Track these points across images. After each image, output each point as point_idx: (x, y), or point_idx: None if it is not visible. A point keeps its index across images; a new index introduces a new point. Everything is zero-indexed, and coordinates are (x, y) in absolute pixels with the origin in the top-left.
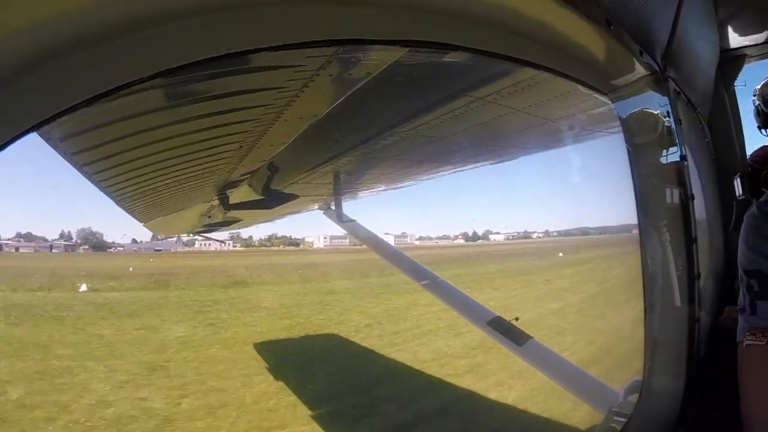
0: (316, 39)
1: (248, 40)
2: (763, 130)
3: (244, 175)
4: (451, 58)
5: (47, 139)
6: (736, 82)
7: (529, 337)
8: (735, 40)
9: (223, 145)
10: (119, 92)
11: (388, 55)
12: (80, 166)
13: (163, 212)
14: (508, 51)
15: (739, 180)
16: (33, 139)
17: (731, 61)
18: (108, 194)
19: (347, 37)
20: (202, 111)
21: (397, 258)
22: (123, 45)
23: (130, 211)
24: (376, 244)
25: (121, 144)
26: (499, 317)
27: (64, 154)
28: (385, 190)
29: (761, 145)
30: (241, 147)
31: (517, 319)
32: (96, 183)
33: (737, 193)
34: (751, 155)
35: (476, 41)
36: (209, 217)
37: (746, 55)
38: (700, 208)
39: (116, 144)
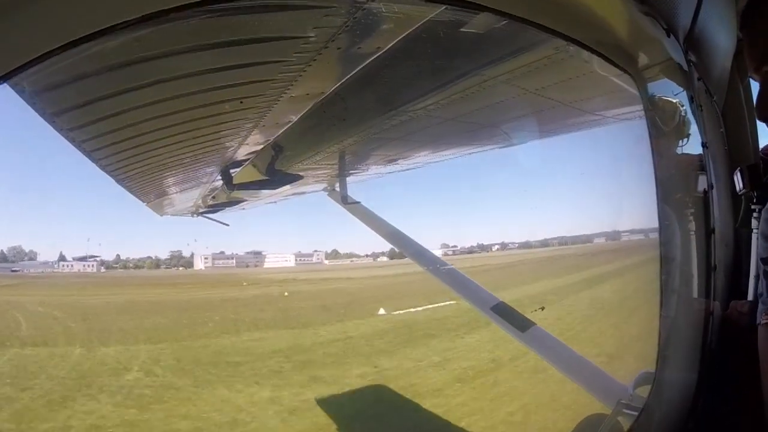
0: None
1: None
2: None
3: (249, 154)
4: (470, 27)
5: (43, 114)
6: None
7: (532, 324)
8: None
9: (227, 121)
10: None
11: (400, 24)
12: (78, 144)
13: (165, 192)
14: (537, 18)
15: (739, 174)
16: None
17: None
18: (108, 172)
19: None
20: (206, 83)
21: (403, 243)
22: None
23: (131, 190)
24: (381, 228)
25: (123, 120)
26: (503, 302)
27: (61, 130)
28: (392, 172)
29: None
30: (243, 121)
31: (543, 308)
32: (97, 162)
33: (738, 188)
34: (763, 148)
35: (506, 4)
36: (213, 197)
37: None
38: (715, 200)
39: (118, 120)
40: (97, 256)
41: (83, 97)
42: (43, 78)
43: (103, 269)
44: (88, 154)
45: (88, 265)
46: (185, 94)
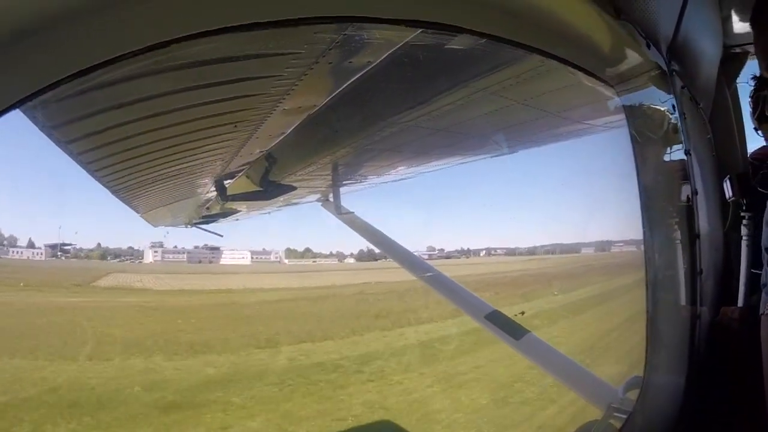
0: (319, 15)
1: (248, 14)
2: (759, 132)
3: (242, 165)
4: (456, 44)
5: (41, 127)
6: (738, 79)
7: (526, 332)
8: (738, 36)
9: (221, 134)
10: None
11: (389, 41)
12: (75, 155)
13: (161, 203)
14: (516, 36)
15: (728, 182)
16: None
17: (734, 58)
18: (104, 184)
19: (351, 15)
20: (199, 98)
21: (396, 252)
22: (115, 16)
23: (127, 201)
24: (375, 237)
25: (118, 133)
26: (497, 311)
27: (58, 142)
28: (384, 183)
29: (762, 145)
30: (237, 133)
31: (522, 313)
32: (92, 173)
33: (727, 195)
34: (752, 153)
35: (484, 25)
36: (207, 208)
37: (749, 52)
38: (701, 205)
39: (112, 133)
40: (70, 245)
41: (79, 111)
42: (42, 95)
43: (64, 258)
44: (85, 165)
45: (37, 253)
46: (181, 109)
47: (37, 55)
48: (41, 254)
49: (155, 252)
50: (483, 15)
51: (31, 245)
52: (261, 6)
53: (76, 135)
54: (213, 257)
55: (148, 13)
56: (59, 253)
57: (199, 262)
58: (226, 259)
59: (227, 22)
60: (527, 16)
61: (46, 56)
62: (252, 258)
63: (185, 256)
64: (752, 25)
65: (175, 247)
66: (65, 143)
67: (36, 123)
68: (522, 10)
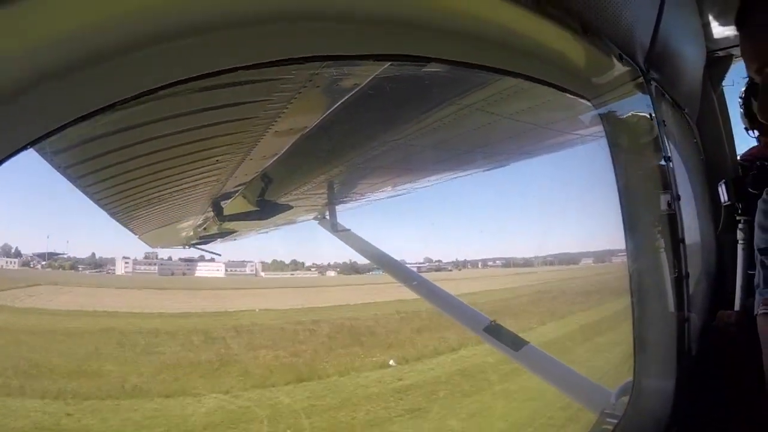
0: (300, 56)
1: (236, 58)
2: (750, 132)
3: (237, 186)
4: (431, 68)
5: (43, 154)
6: (724, 82)
7: (525, 343)
8: (721, 40)
9: (214, 156)
10: (114, 109)
11: (371, 68)
12: (75, 179)
13: (158, 225)
14: (485, 61)
15: (723, 186)
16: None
17: (718, 62)
18: (102, 207)
19: (330, 54)
20: (193, 123)
21: (393, 267)
22: (120, 64)
23: (125, 223)
24: (371, 253)
25: (115, 158)
26: (495, 323)
27: (59, 168)
28: (378, 199)
29: (752, 146)
30: (231, 156)
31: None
32: (90, 196)
33: (722, 200)
34: (741, 155)
35: (453, 53)
36: (204, 228)
37: (733, 55)
38: (690, 210)
39: (110, 158)
40: (59, 254)
41: (78, 137)
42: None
43: (39, 267)
44: (84, 189)
45: (10, 263)
46: (174, 133)
47: (48, 101)
48: None
49: (126, 264)
50: (451, 44)
51: None
52: (248, 50)
53: (73, 160)
54: (188, 269)
55: (139, 62)
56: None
57: (172, 274)
58: (201, 271)
59: (211, 67)
60: (494, 40)
61: (56, 102)
62: (226, 270)
63: (156, 268)
64: (738, 29)
65: (147, 258)
66: (64, 169)
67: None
68: (489, 35)
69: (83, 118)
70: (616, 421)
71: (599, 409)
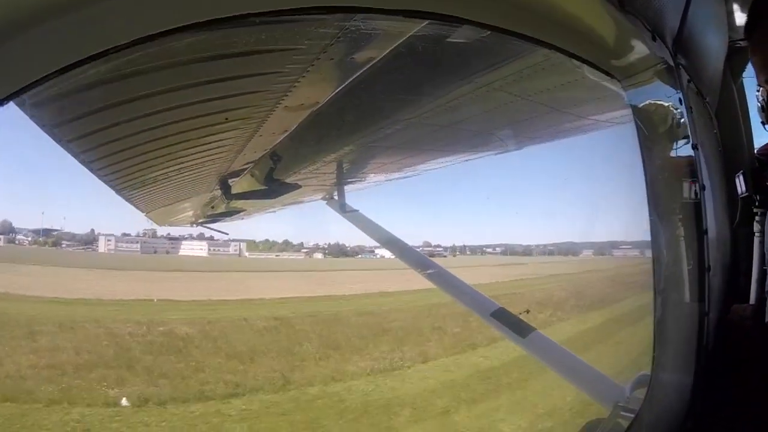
0: (318, 5)
1: (246, 4)
2: (766, 126)
3: (246, 164)
4: (458, 37)
5: (42, 126)
6: (744, 73)
7: (532, 329)
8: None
9: (224, 132)
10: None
11: (390, 35)
12: (78, 155)
13: (165, 202)
14: (519, 28)
15: (741, 177)
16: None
17: (740, 52)
18: (108, 184)
19: (351, 5)
20: (200, 95)
21: (401, 250)
22: (104, 8)
23: (131, 200)
24: (378, 235)
25: (120, 132)
26: (503, 308)
27: (60, 141)
28: (389, 181)
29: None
30: (240, 131)
31: (527, 311)
32: (95, 172)
33: (740, 191)
34: (759, 149)
35: (487, 16)
36: (212, 207)
37: None
38: (708, 201)
39: (115, 131)
40: (54, 230)
41: (81, 109)
42: (44, 94)
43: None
44: (87, 165)
45: None
46: (182, 106)
47: (31, 47)
48: None
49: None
50: (485, 5)
51: None
52: None
53: (76, 134)
54: (172, 247)
55: (137, 4)
56: None
57: (155, 252)
58: (185, 250)
59: (221, 13)
60: (530, 7)
61: (40, 48)
62: (209, 250)
63: (139, 245)
64: (748, 37)
65: (128, 235)
66: (66, 142)
67: (36, 121)
68: (525, 0)
69: (70, 68)
70: (631, 414)
71: (611, 402)
